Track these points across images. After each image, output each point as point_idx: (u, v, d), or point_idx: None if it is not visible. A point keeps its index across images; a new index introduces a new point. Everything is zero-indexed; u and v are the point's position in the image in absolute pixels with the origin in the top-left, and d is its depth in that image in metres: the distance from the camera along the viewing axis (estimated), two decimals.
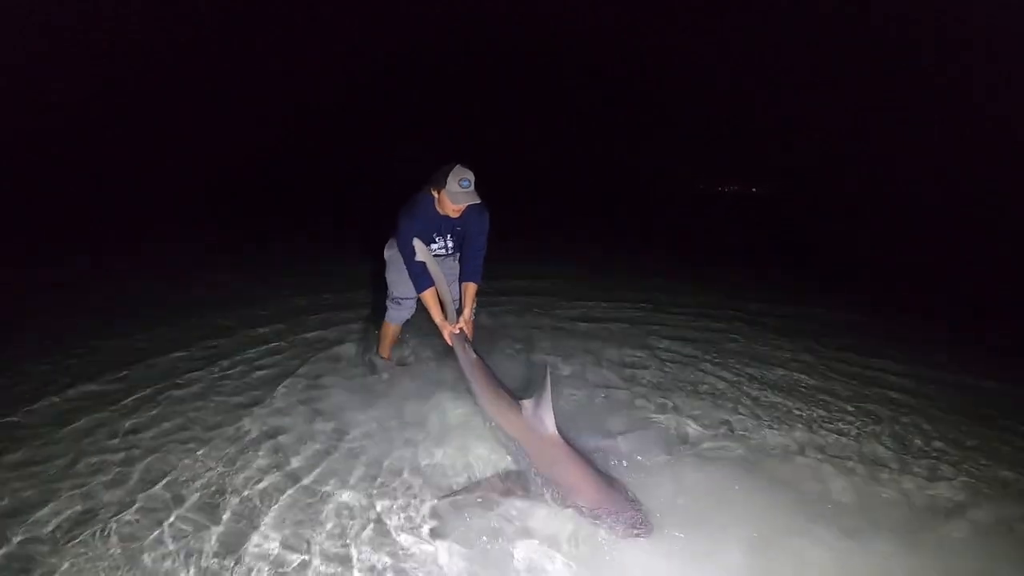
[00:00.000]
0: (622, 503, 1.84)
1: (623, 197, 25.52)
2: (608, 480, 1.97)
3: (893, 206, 24.52)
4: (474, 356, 2.66)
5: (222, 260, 6.89)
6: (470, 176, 2.54)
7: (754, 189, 40.33)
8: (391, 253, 3.02)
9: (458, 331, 2.79)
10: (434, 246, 2.88)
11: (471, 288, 2.88)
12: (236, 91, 31.64)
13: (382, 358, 3.28)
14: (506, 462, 2.22)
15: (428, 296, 2.79)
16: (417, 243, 2.71)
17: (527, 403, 2.18)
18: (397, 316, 3.19)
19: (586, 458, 2.04)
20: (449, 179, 2.53)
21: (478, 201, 2.60)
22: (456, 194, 2.55)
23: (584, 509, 1.82)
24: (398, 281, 3.03)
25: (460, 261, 2.99)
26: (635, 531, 1.75)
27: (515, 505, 1.91)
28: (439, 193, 2.64)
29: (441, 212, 2.71)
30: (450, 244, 2.94)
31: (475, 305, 2.96)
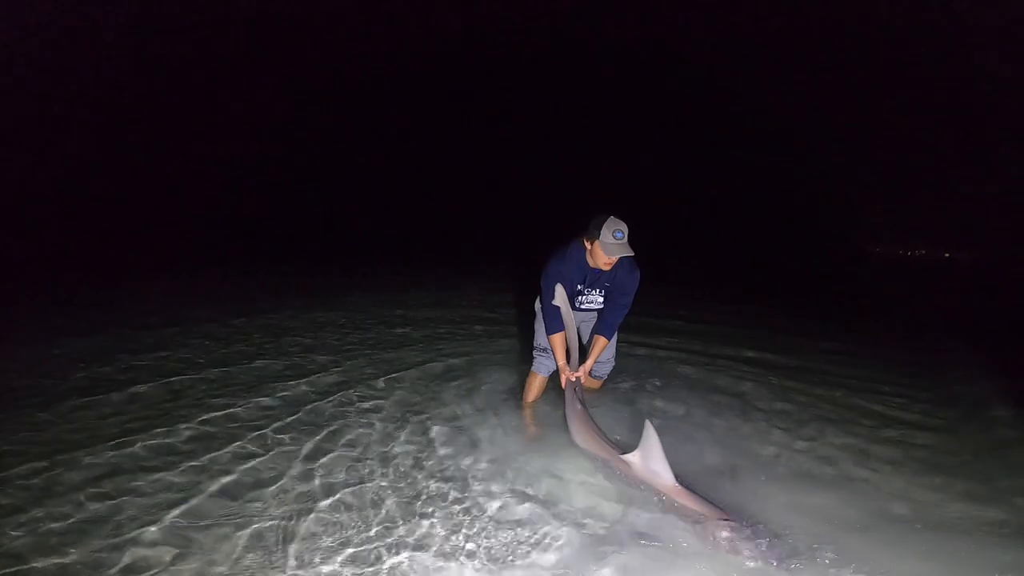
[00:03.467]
0: (752, 533, 1.84)
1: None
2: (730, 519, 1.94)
3: None
4: (579, 407, 2.64)
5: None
6: (624, 228, 2.52)
7: (947, 255, 36.29)
8: (540, 305, 3.01)
9: (575, 378, 2.78)
10: (580, 299, 2.86)
11: (600, 342, 2.86)
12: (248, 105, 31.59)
13: (523, 406, 3.19)
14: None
15: (556, 339, 2.83)
16: (558, 288, 2.72)
17: (632, 457, 2.17)
18: (544, 365, 3.10)
19: (709, 501, 1.99)
20: (604, 230, 2.51)
21: (631, 253, 2.56)
22: (610, 245, 2.52)
23: (724, 544, 1.82)
24: (543, 332, 3.00)
25: (600, 314, 2.94)
26: (771, 555, 1.76)
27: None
28: (592, 244, 2.61)
29: (592, 264, 2.70)
30: (598, 300, 2.89)
31: (614, 350, 2.98)
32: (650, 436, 2.06)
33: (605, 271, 2.69)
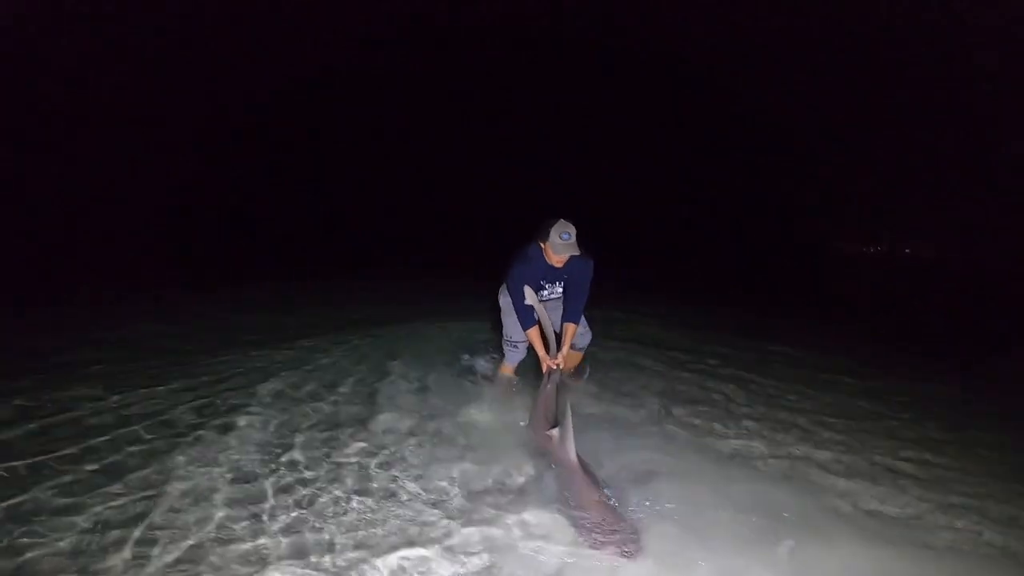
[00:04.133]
0: (616, 524, 2.00)
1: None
2: (610, 503, 2.14)
3: None
4: (549, 388, 2.93)
5: None
6: (571, 230, 2.86)
7: (908, 250, 36.01)
8: (505, 300, 3.30)
9: (555, 366, 3.09)
10: (544, 292, 3.24)
11: (570, 328, 3.20)
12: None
13: (497, 392, 3.51)
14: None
15: (532, 333, 3.14)
16: (527, 289, 3.06)
17: (554, 432, 2.50)
18: (512, 358, 3.46)
19: (596, 482, 2.25)
20: (552, 233, 2.87)
21: (577, 252, 2.89)
22: (558, 245, 2.87)
23: (585, 525, 2.00)
24: (511, 325, 3.32)
25: (564, 303, 3.30)
26: (623, 550, 1.90)
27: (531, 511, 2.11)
28: (544, 245, 2.95)
29: (548, 262, 3.01)
30: (558, 290, 3.28)
31: (572, 342, 3.30)
32: (567, 416, 2.40)
33: (562, 268, 3.04)
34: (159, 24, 27.87)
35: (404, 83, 42.11)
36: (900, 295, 13.74)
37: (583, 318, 3.36)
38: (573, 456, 2.33)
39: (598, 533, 1.94)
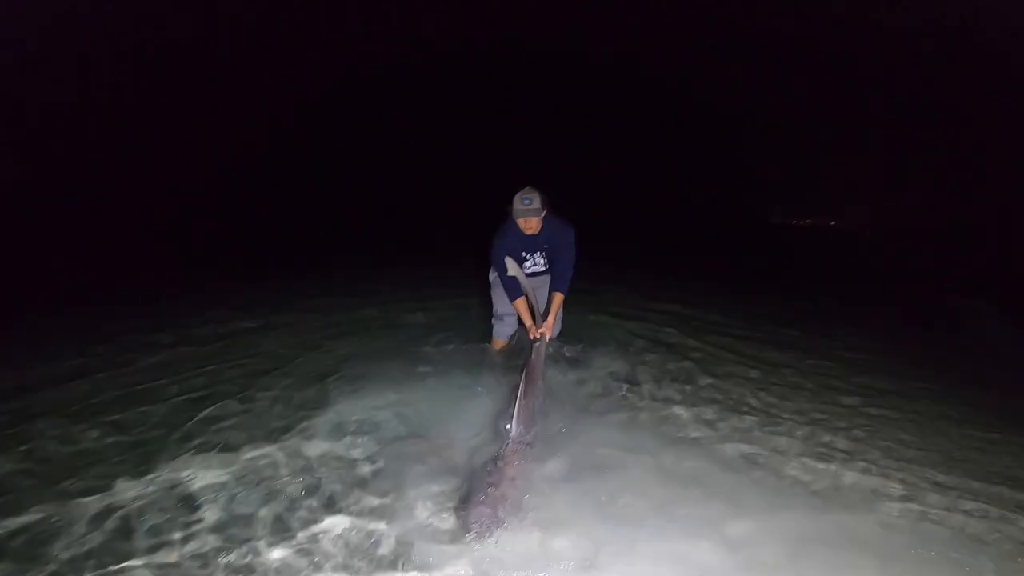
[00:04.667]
0: (481, 501, 1.97)
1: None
2: (499, 482, 2.08)
3: None
4: (534, 359, 2.98)
5: None
6: (531, 195, 2.91)
7: (833, 223, 37.13)
8: (492, 275, 3.40)
9: (539, 335, 3.12)
10: (527, 264, 3.27)
11: (557, 298, 3.24)
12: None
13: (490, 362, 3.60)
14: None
15: (520, 304, 3.20)
16: (509, 260, 3.11)
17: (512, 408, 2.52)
18: (501, 331, 3.56)
19: (508, 460, 2.21)
20: (515, 200, 2.93)
21: (537, 216, 2.93)
22: (519, 210, 2.93)
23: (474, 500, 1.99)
24: (499, 297, 3.41)
25: (551, 274, 3.35)
26: (470, 527, 1.87)
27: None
28: (513, 215, 3.01)
29: (521, 231, 3.05)
30: (540, 261, 3.30)
31: (561, 313, 3.35)
32: (530, 388, 2.58)
33: (538, 236, 3.08)
34: (160, 24, 27.85)
35: (404, 84, 42.03)
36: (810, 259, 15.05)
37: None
38: (511, 429, 2.37)
39: (467, 507, 1.94)
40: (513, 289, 3.17)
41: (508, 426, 2.40)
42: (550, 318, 3.22)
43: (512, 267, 3.13)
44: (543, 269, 3.35)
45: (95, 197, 19.02)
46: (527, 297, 3.23)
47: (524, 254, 3.25)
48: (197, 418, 2.76)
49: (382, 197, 30.73)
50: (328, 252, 11.14)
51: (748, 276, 10.40)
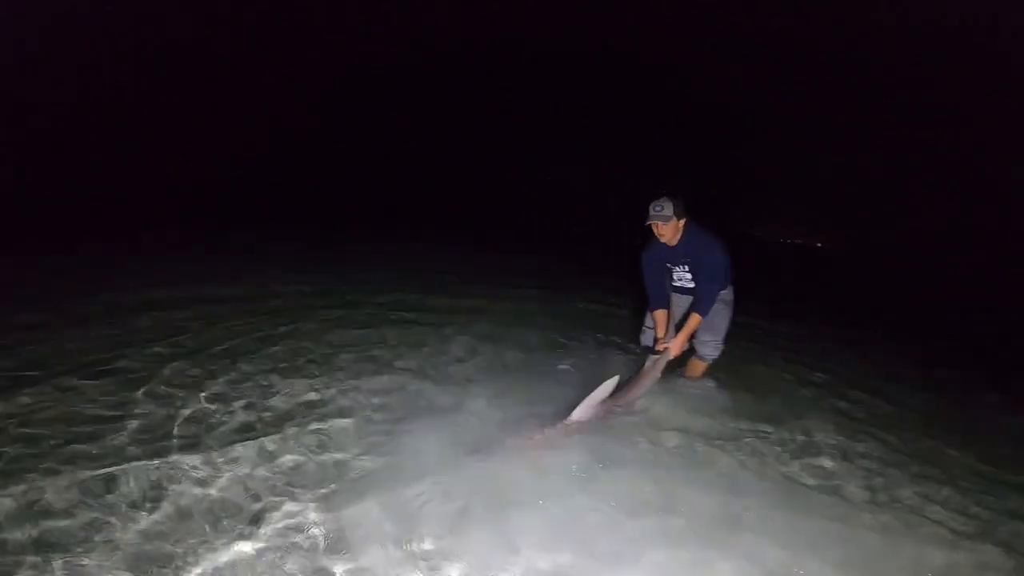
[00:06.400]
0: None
1: None
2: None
3: None
4: (650, 369, 3.03)
5: None
6: (663, 201, 2.85)
7: (819, 244, 37.27)
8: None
9: (663, 348, 3.04)
10: (674, 275, 3.16)
11: (692, 319, 3.00)
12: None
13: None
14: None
15: (657, 315, 3.16)
16: (652, 269, 3.12)
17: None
18: (644, 340, 3.51)
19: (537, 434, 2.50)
20: (649, 206, 2.87)
21: (664, 222, 2.85)
22: (650, 215, 2.86)
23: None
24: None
25: (694, 293, 3.14)
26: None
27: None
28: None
29: (661, 241, 2.99)
30: (686, 276, 3.13)
31: (691, 334, 3.12)
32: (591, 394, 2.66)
33: (677, 247, 2.98)
34: (160, 24, 27.83)
35: (404, 84, 41.98)
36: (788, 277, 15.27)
37: (718, 327, 3.18)
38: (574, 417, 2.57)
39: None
40: (653, 298, 3.13)
41: (572, 414, 2.57)
42: (679, 336, 3.02)
43: (654, 277, 3.14)
44: (690, 285, 3.15)
45: (95, 197, 19.01)
46: (668, 309, 3.13)
47: (669, 266, 3.13)
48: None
49: (382, 197, 30.71)
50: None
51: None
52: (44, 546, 1.67)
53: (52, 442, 2.25)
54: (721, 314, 3.18)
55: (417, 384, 3.12)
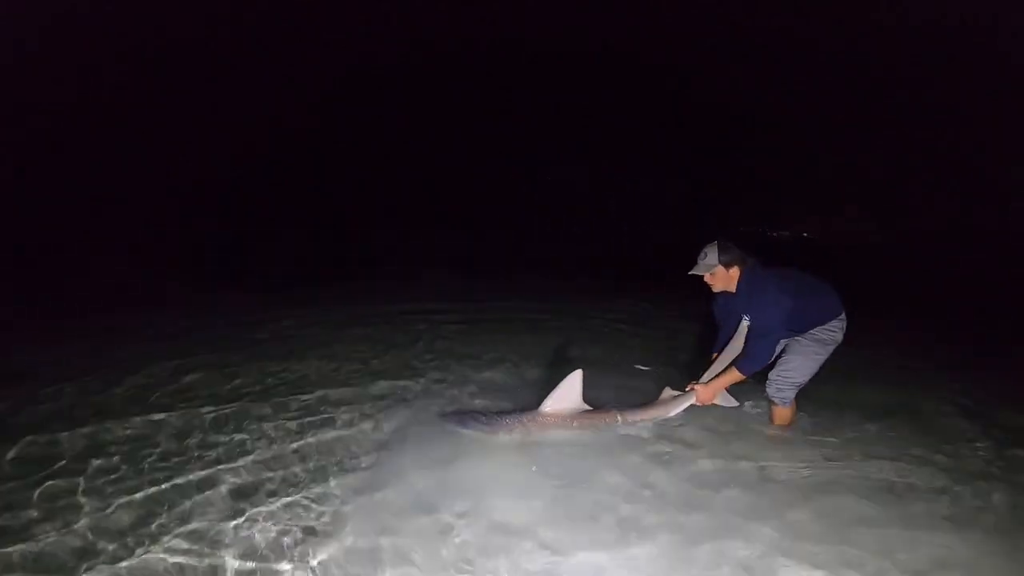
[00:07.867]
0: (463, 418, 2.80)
1: None
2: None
3: None
4: (666, 401, 2.96)
5: None
6: (709, 248, 2.72)
7: (805, 234, 36.69)
8: None
9: (690, 388, 2.90)
10: (744, 322, 2.84)
11: (729, 372, 2.78)
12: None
13: None
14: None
15: (716, 356, 3.01)
16: (717, 313, 3.06)
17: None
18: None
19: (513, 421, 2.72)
20: None
21: (701, 273, 2.73)
22: (694, 266, 2.77)
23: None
24: None
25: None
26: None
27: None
28: None
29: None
30: (747, 324, 2.85)
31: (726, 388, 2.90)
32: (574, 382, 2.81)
33: (735, 297, 2.80)
34: (160, 24, 27.85)
35: (404, 84, 42.02)
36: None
37: (792, 366, 2.81)
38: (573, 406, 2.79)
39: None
40: (717, 342, 3.05)
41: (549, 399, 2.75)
42: (712, 383, 2.81)
43: (719, 320, 3.06)
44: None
45: (95, 197, 19.03)
46: (722, 355, 2.92)
47: (732, 310, 2.91)
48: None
49: (382, 197, 30.74)
50: None
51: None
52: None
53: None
54: (804, 354, 2.81)
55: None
